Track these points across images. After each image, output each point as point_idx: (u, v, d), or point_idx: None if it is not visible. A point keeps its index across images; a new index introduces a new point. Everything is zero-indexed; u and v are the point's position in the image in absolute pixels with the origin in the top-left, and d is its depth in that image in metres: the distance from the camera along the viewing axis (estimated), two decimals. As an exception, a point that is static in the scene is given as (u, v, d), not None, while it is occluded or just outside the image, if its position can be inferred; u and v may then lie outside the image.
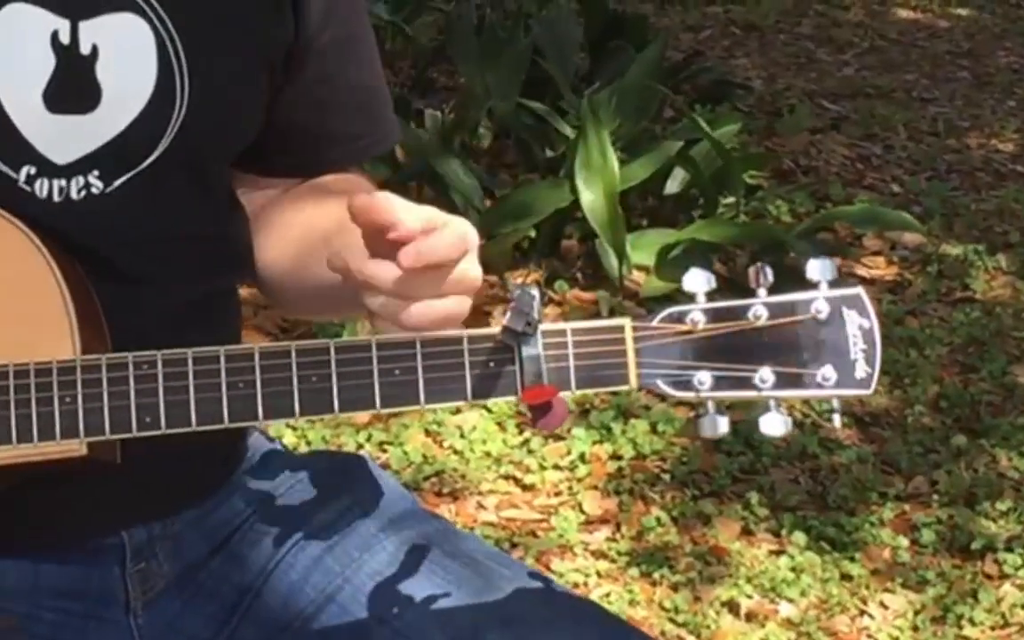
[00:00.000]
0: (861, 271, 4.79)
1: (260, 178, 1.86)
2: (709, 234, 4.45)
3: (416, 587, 1.74)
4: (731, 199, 4.83)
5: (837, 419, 1.58)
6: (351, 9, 1.84)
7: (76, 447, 1.56)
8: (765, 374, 1.55)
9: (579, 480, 3.74)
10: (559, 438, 3.85)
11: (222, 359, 1.55)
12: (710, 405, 1.56)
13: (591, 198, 4.48)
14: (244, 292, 3.64)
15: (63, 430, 1.56)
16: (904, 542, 3.59)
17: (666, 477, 3.76)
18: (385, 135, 1.95)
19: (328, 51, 1.80)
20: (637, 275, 4.53)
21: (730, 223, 4.70)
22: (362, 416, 3.88)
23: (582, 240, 4.70)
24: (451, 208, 4.69)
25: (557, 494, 3.71)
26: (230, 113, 1.73)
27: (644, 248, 4.51)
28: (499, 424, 3.87)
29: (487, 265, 4.75)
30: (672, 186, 4.85)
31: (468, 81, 5.38)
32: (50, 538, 1.73)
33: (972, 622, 3.36)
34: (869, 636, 3.35)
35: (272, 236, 1.83)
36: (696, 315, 1.55)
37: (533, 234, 4.63)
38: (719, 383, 1.55)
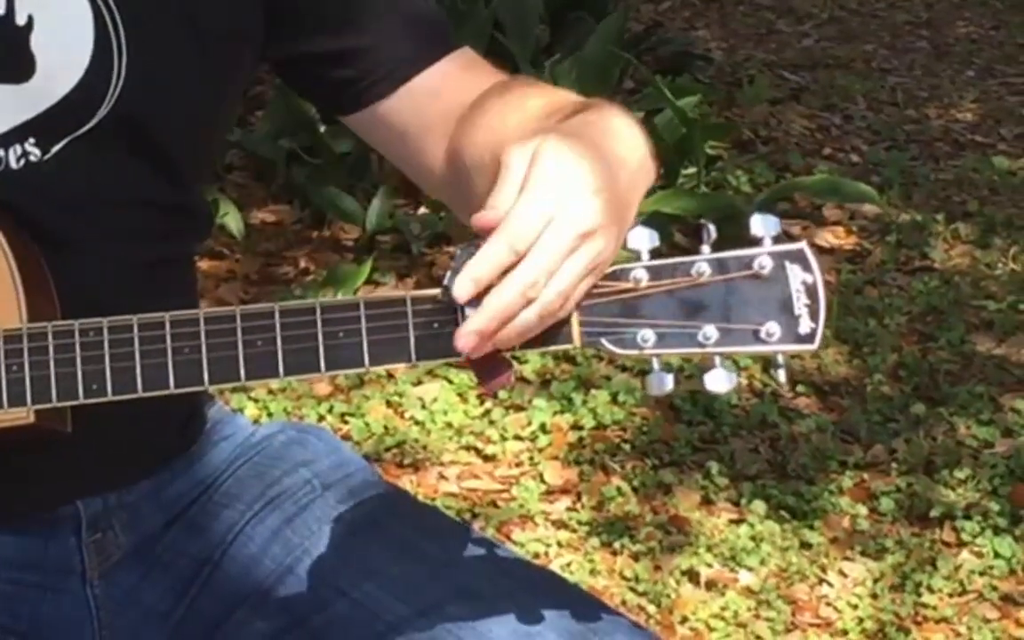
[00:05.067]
0: (821, 241, 4.81)
1: (375, 109, 1.80)
2: (669, 205, 4.45)
3: (376, 559, 1.75)
4: (690, 170, 4.84)
5: (782, 375, 1.58)
6: None
7: (24, 415, 1.56)
8: (709, 331, 1.54)
9: (540, 450, 3.74)
10: (520, 409, 3.85)
11: (167, 325, 1.56)
12: (655, 362, 1.56)
13: (552, 170, 4.46)
14: (206, 265, 3.64)
15: (10, 398, 1.56)
16: (863, 510, 3.61)
17: (626, 447, 3.76)
18: (436, 34, 1.84)
19: None
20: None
21: (690, 194, 4.70)
22: (323, 387, 3.88)
23: (542, 212, 4.69)
24: (413, 184, 4.71)
25: (518, 464, 3.72)
26: (172, 86, 1.71)
27: (605, 219, 4.50)
28: (460, 395, 3.87)
29: (449, 237, 4.75)
30: (632, 157, 4.84)
31: (428, 53, 5.36)
32: (5, 509, 1.73)
33: (930, 589, 3.38)
34: (828, 604, 3.37)
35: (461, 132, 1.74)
36: (639, 273, 1.54)
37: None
38: (663, 340, 1.54)
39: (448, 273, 1.51)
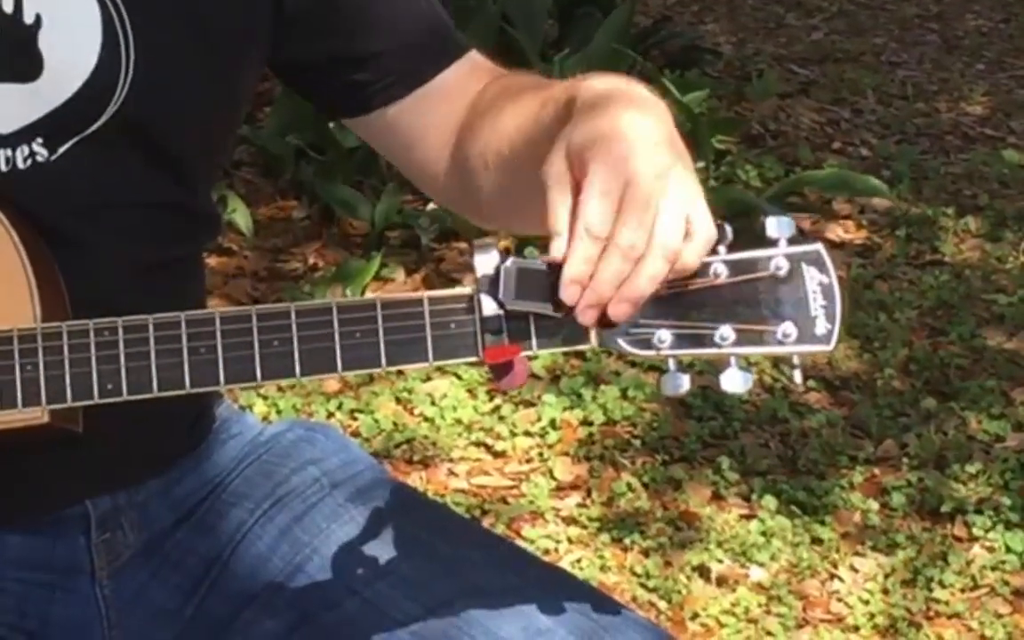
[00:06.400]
0: (831, 235, 4.80)
1: (383, 112, 1.80)
2: (679, 199, 4.44)
3: (385, 557, 1.74)
4: (700, 164, 4.83)
5: (798, 376, 1.58)
6: None
7: (38, 415, 1.55)
8: (725, 331, 1.54)
9: (550, 446, 3.74)
10: (529, 404, 3.85)
11: (183, 324, 1.55)
12: (671, 363, 1.56)
13: (561, 165, 4.46)
14: (214, 261, 3.64)
15: (25, 398, 1.55)
16: (874, 505, 3.60)
17: (636, 443, 3.76)
18: (449, 38, 1.84)
19: None
20: (606, 241, 4.52)
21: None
22: (332, 384, 3.88)
23: (552, 206, 4.68)
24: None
25: (528, 461, 3.71)
26: (179, 86, 1.70)
27: (614, 214, 4.50)
28: (470, 391, 3.87)
29: (457, 233, 4.76)
30: (642, 151, 4.83)
31: (437, 48, 5.36)
32: (14, 509, 1.73)
33: (942, 585, 3.37)
34: (840, 600, 3.36)
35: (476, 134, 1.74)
36: None
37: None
38: (679, 341, 1.54)
39: (478, 283, 1.51)
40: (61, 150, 1.67)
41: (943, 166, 5.46)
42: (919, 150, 5.59)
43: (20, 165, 1.66)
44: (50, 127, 1.66)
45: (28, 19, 1.64)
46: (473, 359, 1.53)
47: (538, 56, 5.17)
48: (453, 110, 1.77)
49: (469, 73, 1.81)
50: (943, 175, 5.38)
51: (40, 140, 1.66)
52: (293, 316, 1.54)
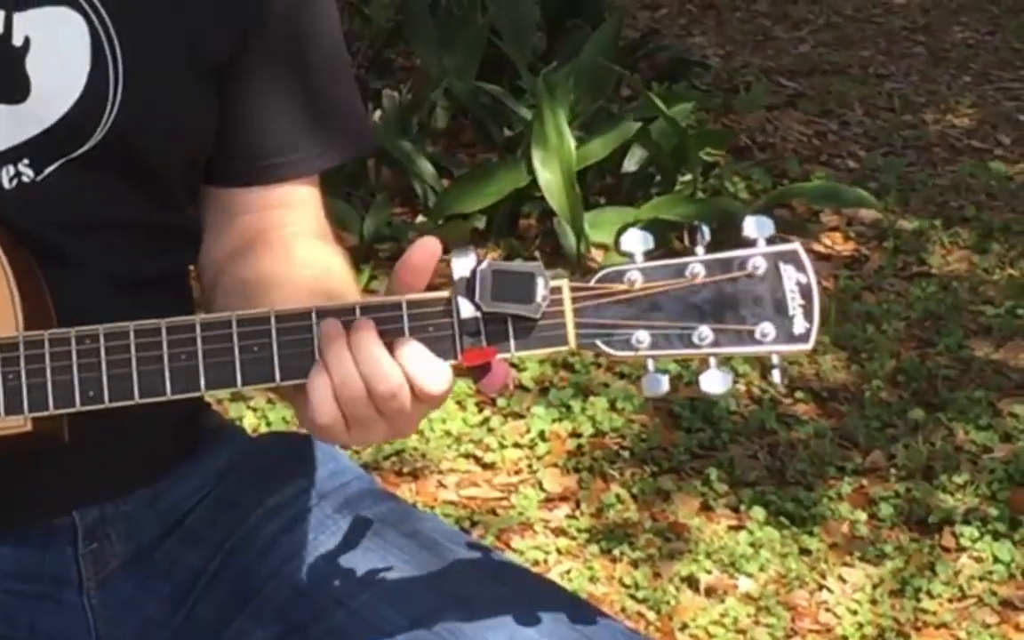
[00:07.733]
0: (818, 247, 4.81)
1: (224, 192, 1.83)
2: (667, 212, 4.45)
3: (373, 568, 1.75)
4: (688, 177, 4.84)
5: (777, 375, 1.58)
6: (301, 12, 1.81)
7: (21, 423, 1.56)
8: (704, 331, 1.55)
9: (539, 458, 3.74)
10: (518, 416, 3.85)
11: (163, 331, 1.55)
12: (650, 364, 1.57)
13: (548, 177, 4.48)
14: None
15: (7, 407, 1.56)
16: (862, 516, 3.60)
17: (625, 454, 3.76)
18: (339, 147, 1.92)
19: (271, 55, 1.78)
20: (595, 253, 4.53)
21: (688, 201, 4.70)
22: (321, 397, 3.87)
23: (540, 219, 4.70)
24: (409, 188, 4.72)
25: (517, 472, 3.71)
26: (167, 111, 1.71)
27: (602, 226, 4.51)
28: (459, 403, 3.87)
29: (446, 248, 4.76)
30: (630, 164, 4.85)
31: (425, 62, 5.37)
32: (1, 519, 1.73)
33: (930, 595, 3.38)
34: (828, 610, 3.36)
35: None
36: (634, 274, 1.56)
37: (487, 216, 4.63)
38: (657, 342, 1.55)
39: (455, 285, 1.53)
40: (47, 171, 1.67)
41: (930, 178, 5.47)
42: (906, 162, 5.60)
43: (5, 185, 1.66)
44: (37, 148, 1.66)
45: (17, 41, 1.65)
46: (452, 361, 1.54)
47: (526, 69, 5.18)
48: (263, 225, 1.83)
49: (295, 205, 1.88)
50: (930, 187, 5.39)
51: (26, 161, 1.67)
52: (273, 321, 1.55)
